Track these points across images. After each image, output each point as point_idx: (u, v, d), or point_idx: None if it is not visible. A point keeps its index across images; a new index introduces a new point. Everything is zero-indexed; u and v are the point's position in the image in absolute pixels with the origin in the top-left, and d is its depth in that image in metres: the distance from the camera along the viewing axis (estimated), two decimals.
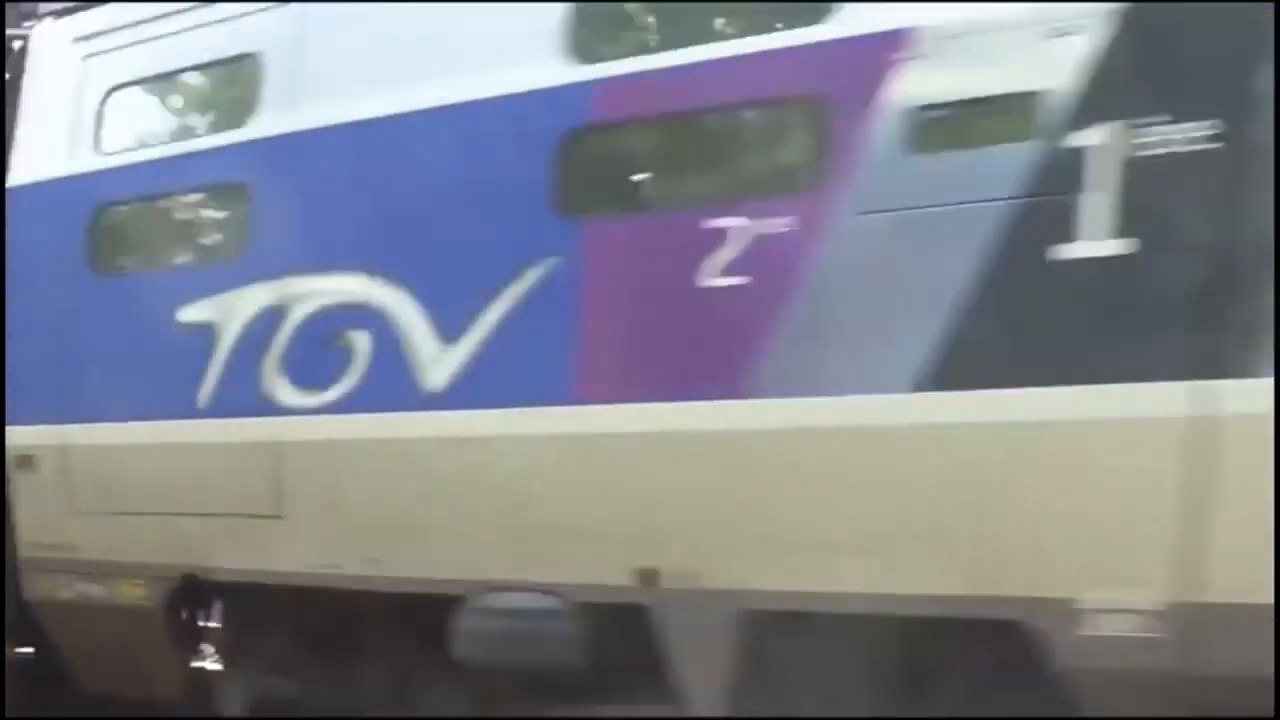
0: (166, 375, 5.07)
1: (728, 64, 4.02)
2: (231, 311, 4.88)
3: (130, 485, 5.14)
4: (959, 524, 3.82)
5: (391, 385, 4.54)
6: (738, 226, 3.96)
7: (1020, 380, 3.65)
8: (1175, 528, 3.56)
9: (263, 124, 4.94)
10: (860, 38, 3.83)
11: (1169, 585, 3.56)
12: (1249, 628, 3.39)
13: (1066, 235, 3.60)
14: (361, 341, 4.61)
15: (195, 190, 5.27)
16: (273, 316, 4.79)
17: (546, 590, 4.43)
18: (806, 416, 3.89)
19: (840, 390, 3.83)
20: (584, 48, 4.32)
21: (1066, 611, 3.78)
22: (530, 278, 4.27)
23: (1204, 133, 3.41)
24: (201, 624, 5.49)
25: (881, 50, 3.78)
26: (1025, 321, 3.76)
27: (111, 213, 5.34)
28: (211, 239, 5.32)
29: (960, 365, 3.78)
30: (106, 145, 5.39)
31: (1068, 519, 3.70)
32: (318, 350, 4.67)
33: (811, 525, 4.03)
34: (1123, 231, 3.52)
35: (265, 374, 4.80)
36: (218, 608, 5.40)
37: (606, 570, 4.37)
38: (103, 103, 5.36)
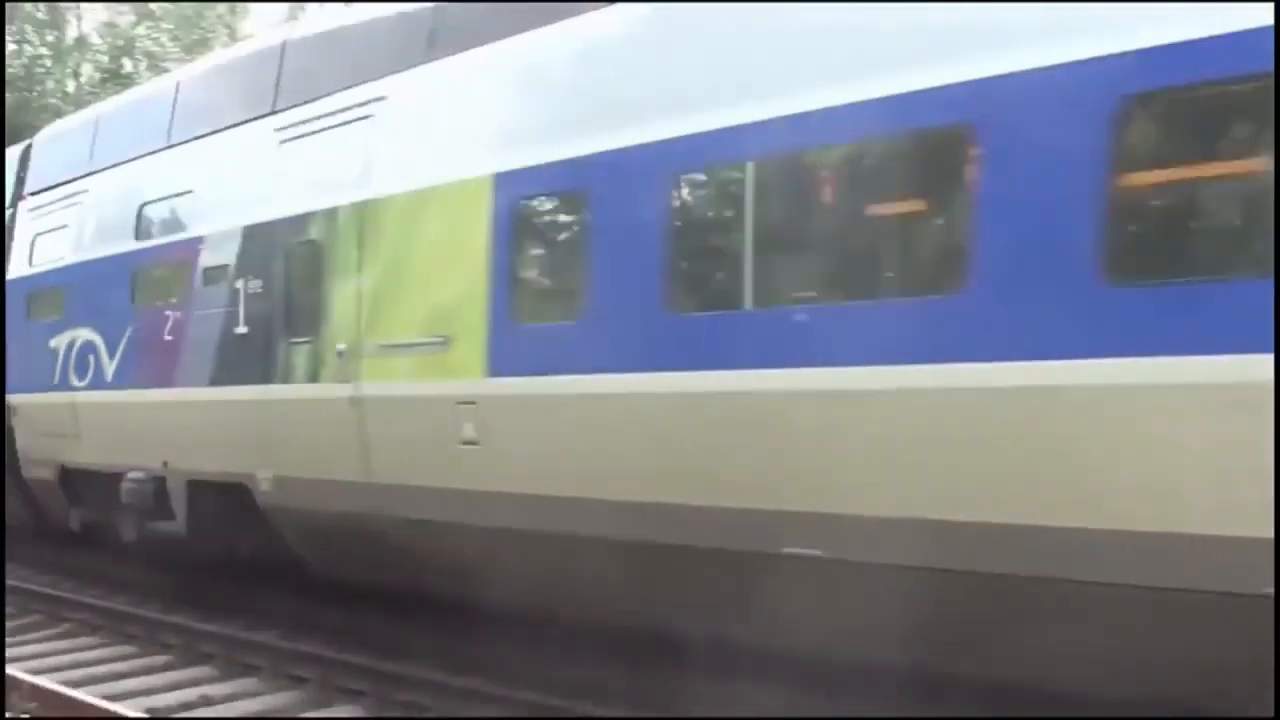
0: (47, 372, 11.63)
1: (167, 245, 10.05)
2: (61, 343, 11.30)
3: (40, 422, 11.73)
4: (233, 439, 9.56)
5: (98, 378, 10.79)
6: (170, 315, 9.96)
7: (236, 381, 9.40)
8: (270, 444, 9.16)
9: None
10: (192, 238, 9.78)
11: (274, 469, 9.11)
12: (290, 490, 8.90)
13: (238, 323, 9.30)
14: (91, 359, 10.85)
15: (52, 287, 11.77)
16: (70, 346, 11.16)
17: (143, 470, 10.39)
18: (183, 396, 9.93)
19: (192, 385, 9.86)
20: (140, 234, 10.48)
21: (255, 479, 9.23)
22: (128, 332, 10.46)
23: (256, 285, 9.13)
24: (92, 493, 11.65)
25: (197, 244, 9.73)
26: (233, 356, 9.47)
27: (35, 294, 12.18)
28: (56, 309, 11.76)
29: (218, 374, 9.63)
30: (35, 261, 12.00)
31: (261, 440, 9.28)
32: (81, 362, 11.00)
33: (203, 443, 9.83)
34: (246, 323, 9.22)
35: (69, 372, 11.20)
36: (78, 480, 11.74)
37: (154, 461, 10.19)
38: (33, 242, 12.01)
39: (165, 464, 10.21)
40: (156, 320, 10.27)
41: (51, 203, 12.14)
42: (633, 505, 6.54)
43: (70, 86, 43.01)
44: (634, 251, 6.58)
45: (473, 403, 7.43)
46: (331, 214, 8.53)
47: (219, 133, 10.02)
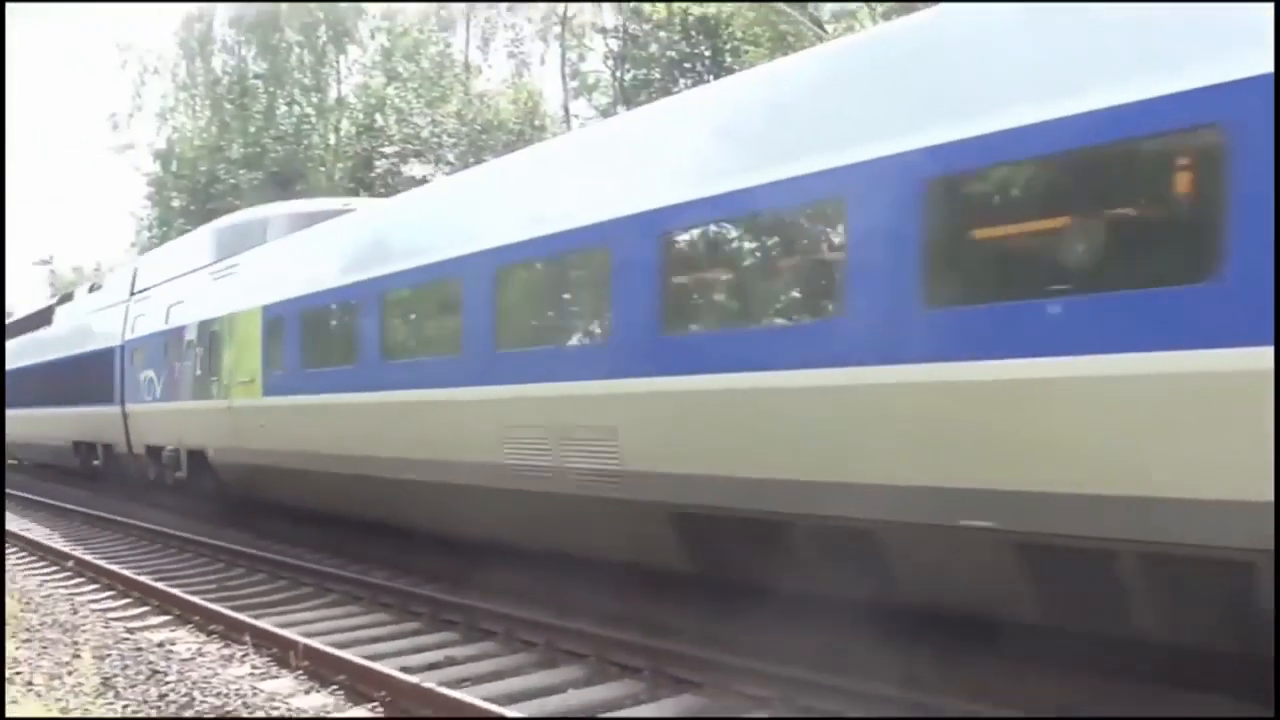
0: (138, 393, 20.82)
1: (174, 328, 19.09)
2: (142, 377, 20.54)
3: (137, 421, 20.99)
4: (199, 427, 18.10)
5: (154, 396, 20.04)
6: (177, 364, 18.82)
7: (196, 399, 18.05)
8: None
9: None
10: (182, 325, 18.73)
11: (213, 443, 17.82)
12: (219, 453, 17.57)
13: (198, 369, 18.03)
14: (152, 386, 20.05)
15: (139, 346, 20.98)
16: (145, 379, 20.42)
17: (171, 445, 19.32)
18: (182, 406, 18.71)
19: (183, 400, 18.53)
20: (166, 322, 19.66)
21: (207, 449, 17.98)
22: (164, 373, 19.48)
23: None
24: (157, 458, 20.61)
25: (184, 329, 18.65)
26: (196, 385, 18.12)
27: (134, 350, 21.26)
28: (141, 359, 20.72)
29: (192, 394, 18.31)
30: (135, 332, 21.42)
31: (207, 428, 18.05)
32: (149, 387, 20.23)
33: (189, 430, 18.64)
34: (199, 369, 17.91)
35: (144, 393, 20.48)
36: (154, 452, 20.55)
37: (175, 441, 19.26)
38: (135, 321, 21.46)
39: (179, 441, 18.87)
40: (173, 367, 18.94)
41: (140, 300, 21.44)
42: (319, 454, 14.25)
43: (332, 139, 48.26)
44: (295, 341, 14.74)
45: (262, 407, 15.67)
46: (222, 318, 17.18)
47: (194, 271, 18.90)
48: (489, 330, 10.62)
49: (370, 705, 7.55)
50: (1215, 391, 5.43)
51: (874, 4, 28.96)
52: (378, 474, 12.53)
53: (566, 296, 10.16)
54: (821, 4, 34.77)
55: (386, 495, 12.70)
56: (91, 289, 26.12)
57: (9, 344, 31.35)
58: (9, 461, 33.90)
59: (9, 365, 30.12)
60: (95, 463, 23.43)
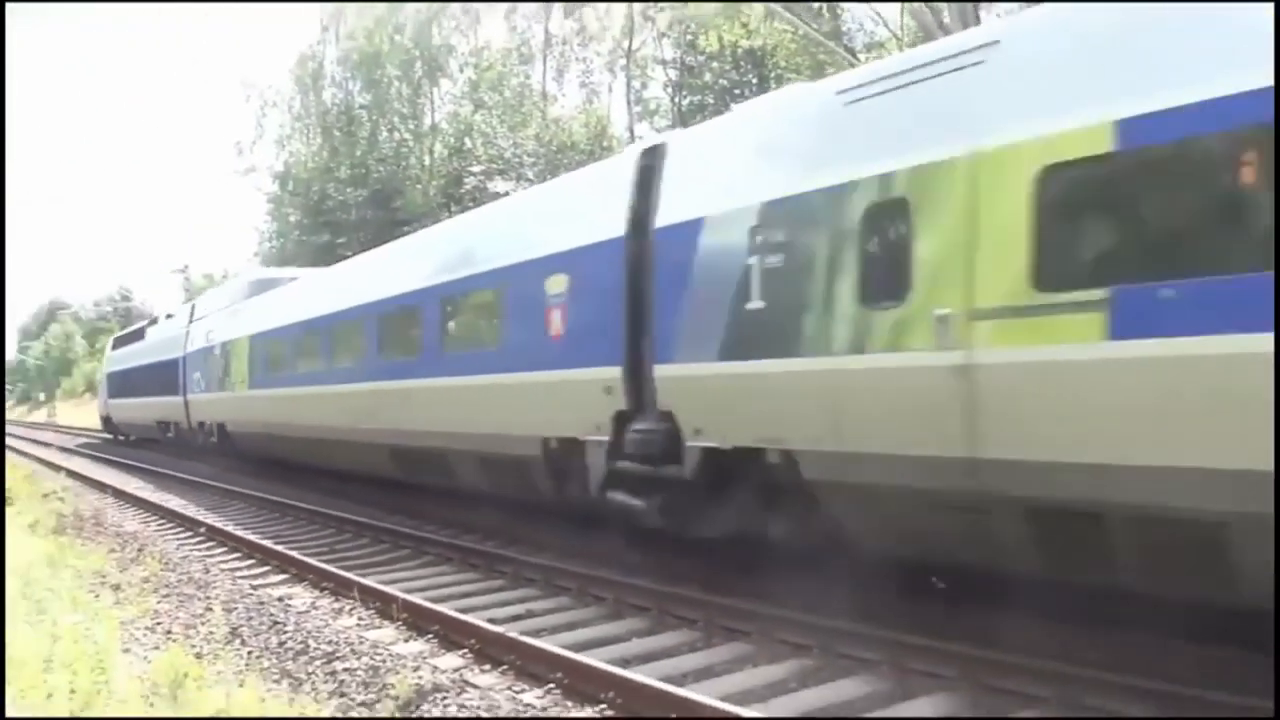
0: (195, 387, 29.08)
1: (209, 345, 26.95)
2: (195, 377, 28.82)
3: (195, 405, 29.20)
4: (220, 407, 26.54)
5: (199, 389, 28.77)
6: (210, 367, 26.63)
7: (219, 390, 26.19)
8: None
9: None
10: (214, 344, 26.87)
11: (228, 418, 26.44)
12: (232, 425, 26.08)
13: (219, 371, 25.68)
14: (199, 382, 28.94)
15: (196, 356, 29.12)
16: (195, 378, 29.00)
17: (209, 421, 28.25)
18: (213, 395, 27.32)
19: (213, 391, 26.69)
20: (207, 341, 27.87)
21: (226, 422, 26.21)
22: (204, 373, 27.82)
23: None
24: (202, 430, 30.10)
25: (214, 346, 26.58)
26: (218, 380, 26.33)
27: (191, 360, 29.34)
28: (196, 364, 29.01)
29: (219, 386, 26.63)
30: (192, 346, 28.84)
31: (226, 407, 27.59)
32: (197, 384, 28.94)
33: (215, 409, 27.04)
34: (220, 372, 25.18)
35: (195, 387, 29.08)
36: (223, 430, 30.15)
37: (211, 417, 27.33)
38: (192, 337, 28.51)
39: (212, 418, 26.84)
40: (207, 369, 26.80)
41: (194, 326, 29.02)
42: (272, 423, 22.03)
43: (426, 161, 49.08)
44: (262, 357, 22.26)
45: (249, 395, 23.49)
46: (232, 340, 24.95)
47: (221, 310, 26.99)
48: (330, 357, 18.66)
49: (460, 652, 7.81)
50: (522, 390, 11.35)
51: (901, 32, 28.95)
52: (294, 435, 20.51)
53: (359, 342, 17.60)
54: (855, 20, 35.04)
55: (301, 449, 20.85)
56: (169, 316, 34.98)
57: (118, 351, 40.98)
58: (118, 437, 43.94)
59: (118, 368, 39.56)
60: (169, 434, 31.92)
